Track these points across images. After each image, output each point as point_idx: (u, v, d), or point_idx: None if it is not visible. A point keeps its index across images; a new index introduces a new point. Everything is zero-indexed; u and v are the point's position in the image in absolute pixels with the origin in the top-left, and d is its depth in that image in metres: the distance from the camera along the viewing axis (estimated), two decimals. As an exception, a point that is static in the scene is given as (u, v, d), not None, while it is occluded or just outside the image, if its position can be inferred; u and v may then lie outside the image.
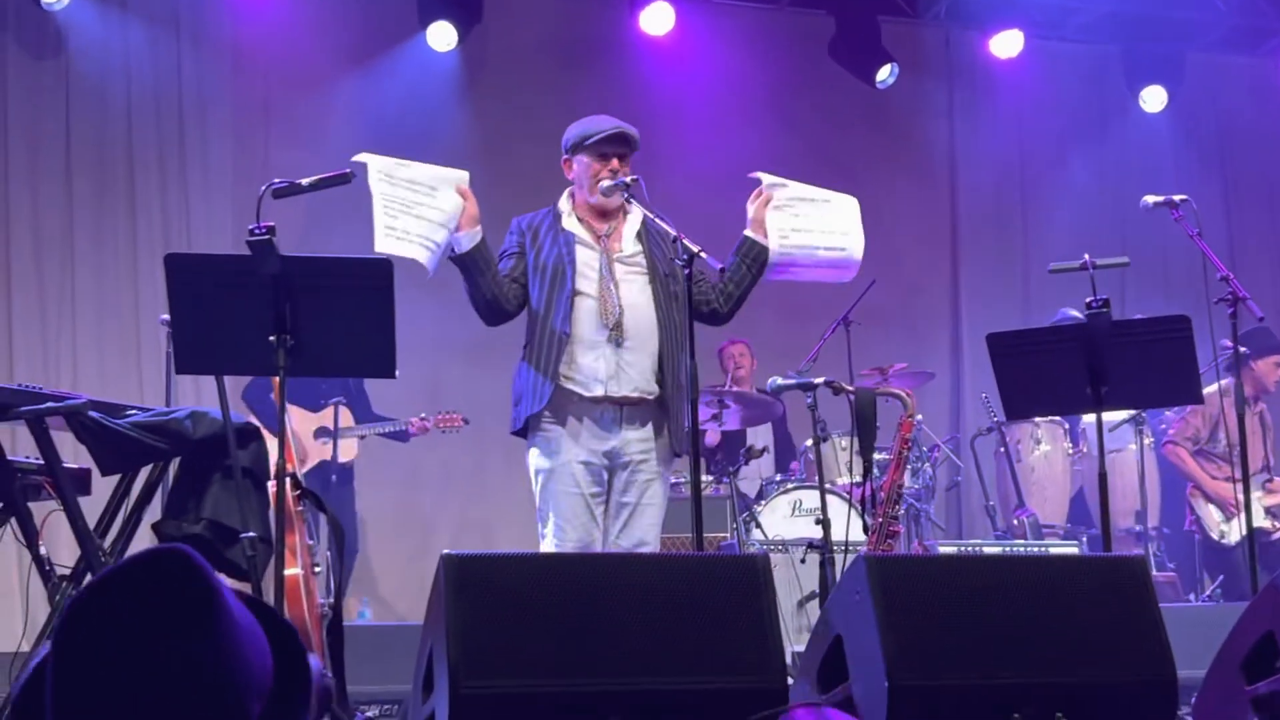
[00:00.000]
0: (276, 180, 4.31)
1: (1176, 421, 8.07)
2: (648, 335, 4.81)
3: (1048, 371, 4.92)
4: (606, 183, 4.86)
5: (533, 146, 9.00)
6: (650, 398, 4.83)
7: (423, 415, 7.72)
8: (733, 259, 5.02)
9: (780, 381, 5.59)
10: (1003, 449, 8.33)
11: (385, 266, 4.24)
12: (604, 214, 4.94)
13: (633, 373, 4.80)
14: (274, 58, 8.77)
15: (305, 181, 4.32)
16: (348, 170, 4.35)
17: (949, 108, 10.15)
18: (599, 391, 4.78)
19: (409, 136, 8.37)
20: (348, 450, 7.71)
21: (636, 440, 4.84)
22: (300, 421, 7.67)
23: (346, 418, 7.66)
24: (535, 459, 4.87)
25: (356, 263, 4.26)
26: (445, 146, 8.86)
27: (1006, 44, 9.76)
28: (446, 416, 7.76)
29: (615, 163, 4.90)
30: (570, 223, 4.94)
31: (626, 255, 4.90)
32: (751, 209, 5.08)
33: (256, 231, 4.10)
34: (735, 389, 7.93)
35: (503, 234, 4.98)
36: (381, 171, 4.61)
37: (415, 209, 4.62)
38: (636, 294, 4.84)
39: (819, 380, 5.39)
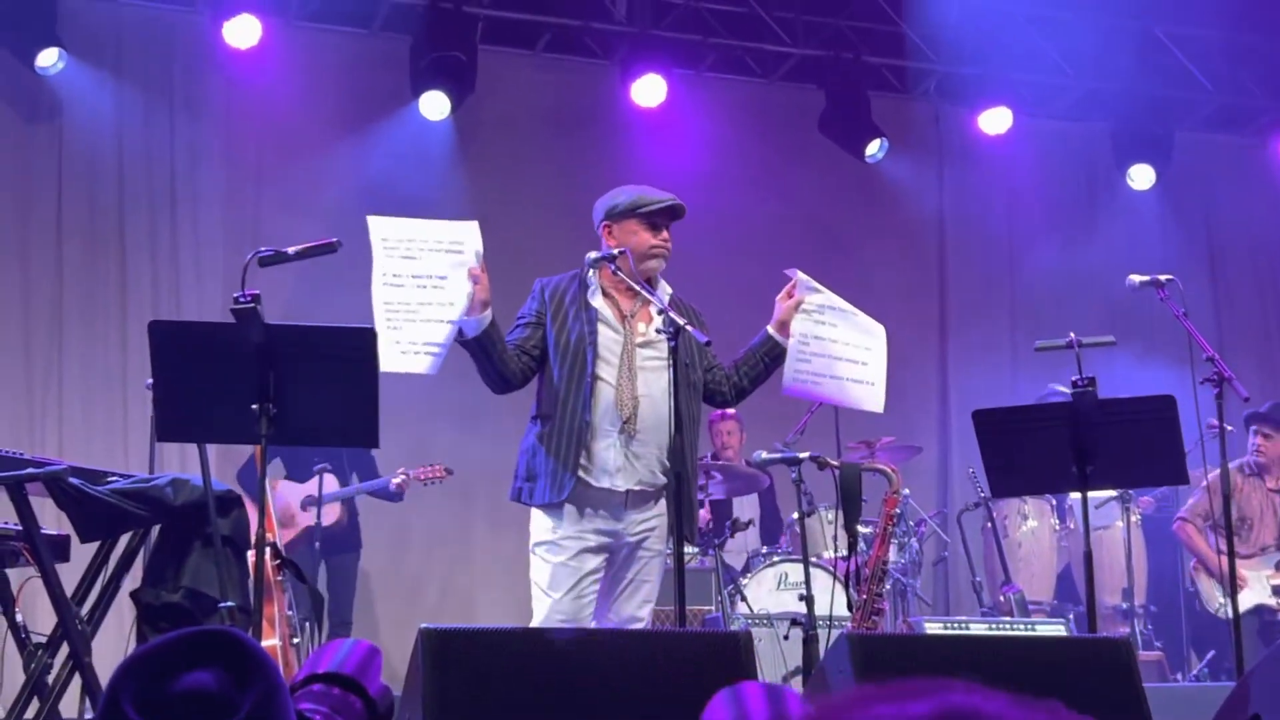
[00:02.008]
0: (262, 249, 4.32)
1: (1191, 497, 8.02)
2: (659, 427, 4.71)
3: (1033, 450, 4.90)
4: (593, 255, 4.83)
5: (525, 214, 9.06)
6: (653, 488, 4.78)
7: (403, 469, 7.68)
8: (751, 353, 4.97)
9: (765, 455, 5.56)
10: (989, 524, 8.30)
11: (369, 336, 4.23)
12: (631, 292, 4.82)
13: (640, 465, 4.74)
14: (267, 125, 8.80)
15: (292, 250, 4.32)
16: (334, 240, 4.35)
17: (938, 182, 10.20)
18: (606, 483, 4.72)
19: (401, 203, 8.33)
20: (330, 514, 7.68)
21: (640, 521, 4.79)
22: (290, 491, 7.65)
23: (331, 484, 7.64)
24: (538, 529, 4.80)
25: (340, 331, 4.24)
26: (437, 214, 8.86)
27: (995, 121, 9.83)
28: (428, 469, 7.72)
29: (665, 233, 4.85)
30: (596, 299, 4.84)
31: (649, 340, 4.80)
32: (780, 309, 4.96)
33: (241, 300, 4.09)
34: (722, 462, 7.90)
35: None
36: (384, 244, 4.52)
37: (421, 310, 4.52)
38: (653, 384, 4.75)
39: (804, 455, 5.35)
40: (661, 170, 9.32)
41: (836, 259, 9.08)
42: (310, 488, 7.54)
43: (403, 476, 7.65)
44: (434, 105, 8.90)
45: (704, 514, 7.88)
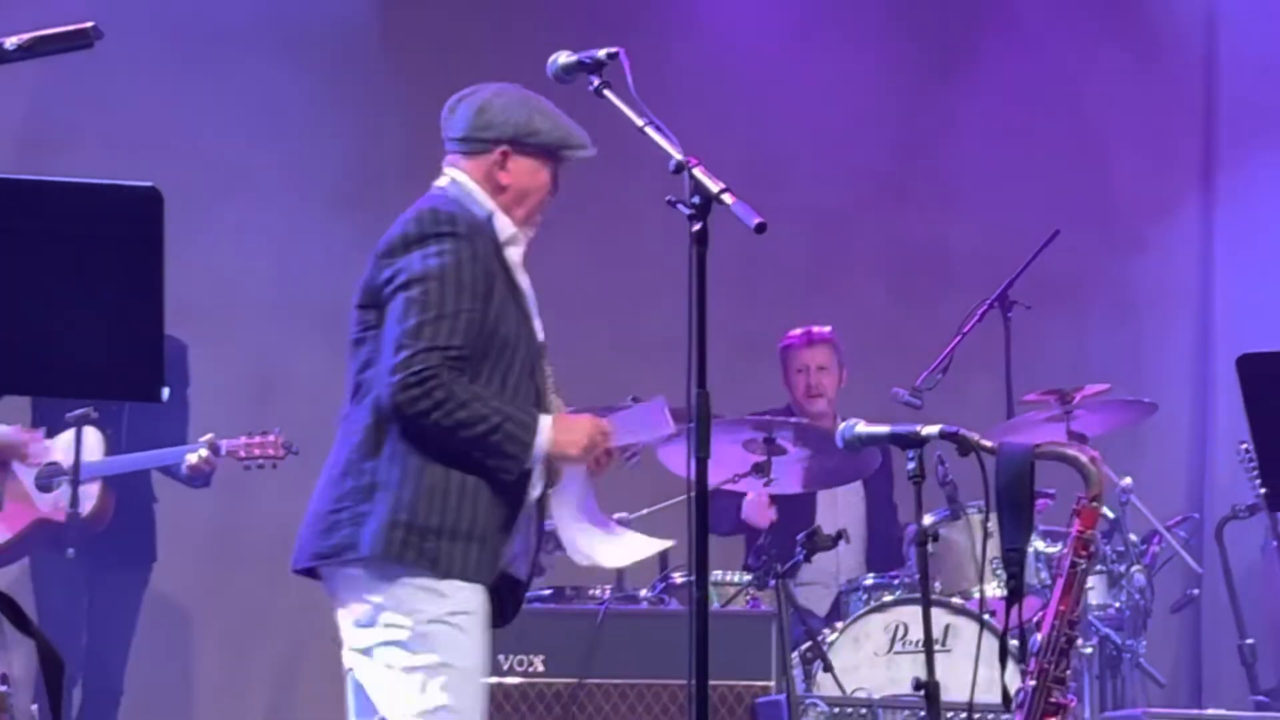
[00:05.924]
0: (-43, 39, 4.28)
1: None
2: None
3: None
4: (565, 58, 4.99)
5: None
6: None
7: (208, 437, 7.66)
8: None
9: (861, 430, 5.30)
10: (1276, 542, 8.29)
11: (151, 200, 4.20)
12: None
13: None
14: None
15: (11, 43, 4.28)
16: (88, 24, 4.31)
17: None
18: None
19: None
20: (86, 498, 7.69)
21: None
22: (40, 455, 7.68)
23: (97, 444, 7.63)
24: (451, 596, 4.99)
25: (98, 191, 4.21)
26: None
27: None
28: (254, 440, 7.70)
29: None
30: (515, 252, 5.28)
31: None
32: None
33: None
34: (797, 420, 7.86)
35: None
36: None
37: None
38: None
39: (929, 430, 5.18)
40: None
41: (1029, 69, 9.06)
42: (61, 449, 7.55)
43: (207, 450, 7.62)
44: None
45: (753, 504, 7.88)
